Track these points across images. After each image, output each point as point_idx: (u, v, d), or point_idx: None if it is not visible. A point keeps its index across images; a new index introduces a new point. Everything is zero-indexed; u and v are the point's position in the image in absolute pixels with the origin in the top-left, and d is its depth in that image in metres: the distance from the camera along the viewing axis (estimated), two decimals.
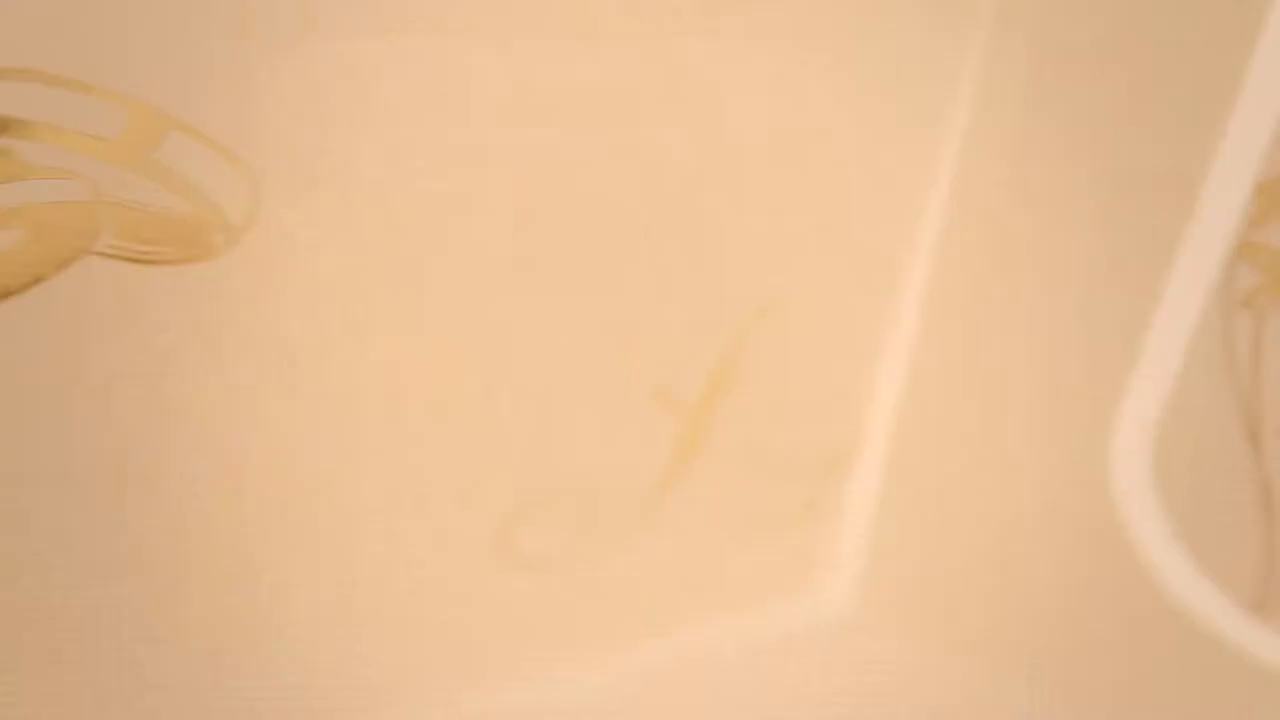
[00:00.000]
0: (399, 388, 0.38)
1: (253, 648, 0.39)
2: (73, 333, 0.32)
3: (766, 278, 0.41)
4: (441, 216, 0.35)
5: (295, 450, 0.37)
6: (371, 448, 0.39)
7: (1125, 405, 0.41)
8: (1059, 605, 0.44)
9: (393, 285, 0.36)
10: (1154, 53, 0.36)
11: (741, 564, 0.46)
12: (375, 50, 0.32)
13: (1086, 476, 0.42)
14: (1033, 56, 0.37)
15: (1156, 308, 0.39)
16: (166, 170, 0.31)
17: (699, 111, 0.37)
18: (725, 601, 0.47)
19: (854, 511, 0.46)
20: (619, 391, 0.41)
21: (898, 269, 0.41)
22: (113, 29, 0.30)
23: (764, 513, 0.45)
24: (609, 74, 0.35)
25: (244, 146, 0.31)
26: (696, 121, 0.37)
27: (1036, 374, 0.41)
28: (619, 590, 0.45)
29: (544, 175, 0.36)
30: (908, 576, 0.46)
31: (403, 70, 0.33)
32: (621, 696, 0.46)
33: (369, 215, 0.34)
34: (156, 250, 0.31)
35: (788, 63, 0.37)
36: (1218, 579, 0.42)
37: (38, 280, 0.31)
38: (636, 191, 0.38)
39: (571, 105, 0.36)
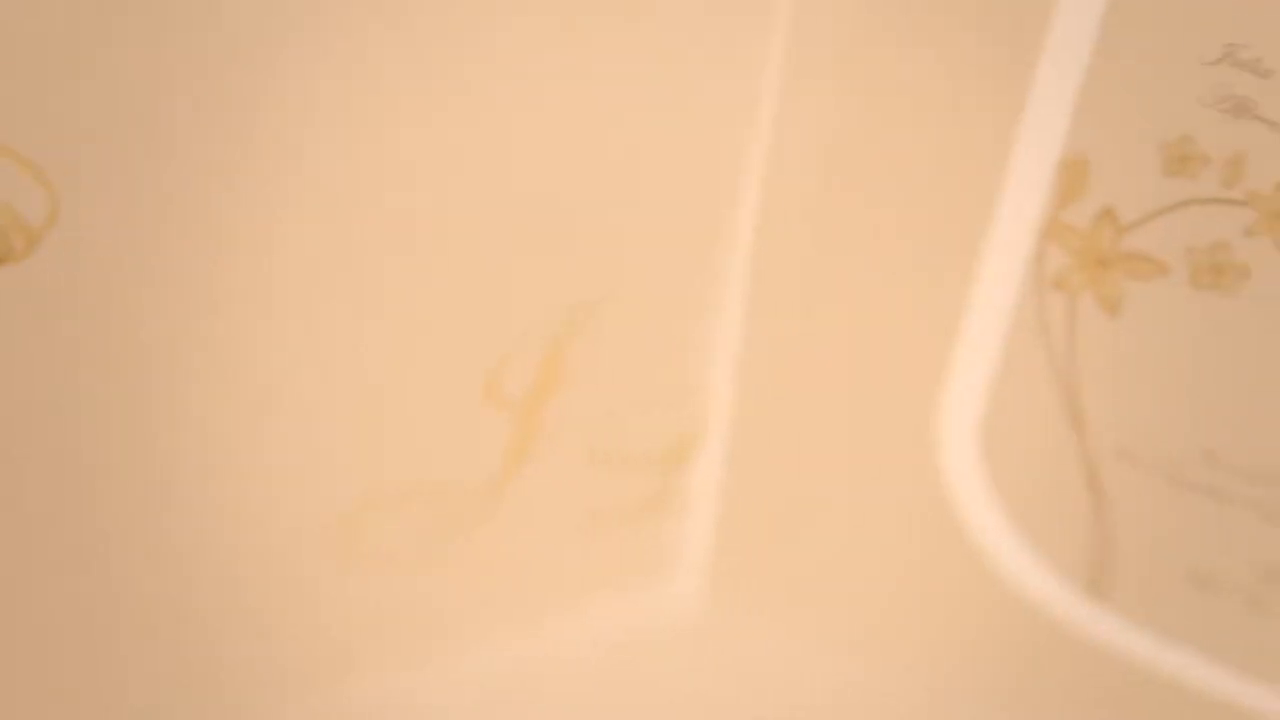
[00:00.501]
0: (225, 387, 0.38)
1: (91, 649, 0.39)
2: None
3: (590, 270, 0.41)
4: (250, 214, 0.35)
5: (115, 456, 0.37)
6: (201, 447, 0.39)
7: (949, 390, 0.41)
8: (899, 592, 0.45)
9: (206, 288, 0.36)
10: (957, 32, 0.36)
11: (586, 560, 0.46)
12: None
13: (916, 462, 0.42)
14: (839, 41, 0.37)
15: (971, 291, 0.39)
16: None
17: (514, 103, 0.37)
18: (571, 598, 0.47)
19: (699, 504, 0.46)
20: (451, 388, 0.41)
21: (720, 259, 0.41)
22: None
23: (605, 507, 0.46)
24: (428, 70, 0.36)
25: (38, 149, 0.31)
26: (510, 112, 0.37)
27: (861, 361, 0.42)
28: (462, 588, 0.45)
29: (358, 172, 0.36)
30: (756, 566, 0.47)
31: (203, 70, 0.33)
32: (466, 694, 0.46)
33: (174, 216, 0.34)
34: None
35: (595, 55, 0.37)
36: (1052, 562, 0.42)
37: None
38: (452, 186, 0.38)
39: (387, 100, 0.36)
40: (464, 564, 0.45)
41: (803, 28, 0.37)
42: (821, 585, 0.46)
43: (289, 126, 0.35)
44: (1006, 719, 0.45)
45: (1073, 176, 0.37)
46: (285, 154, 0.35)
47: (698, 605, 0.48)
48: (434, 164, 0.37)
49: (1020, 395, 0.40)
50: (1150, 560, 0.42)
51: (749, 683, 0.47)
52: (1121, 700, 0.44)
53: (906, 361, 0.41)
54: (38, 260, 0.32)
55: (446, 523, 0.44)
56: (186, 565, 0.41)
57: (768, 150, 0.39)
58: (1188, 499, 0.40)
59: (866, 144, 0.38)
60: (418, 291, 0.39)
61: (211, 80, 0.33)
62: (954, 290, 0.39)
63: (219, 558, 0.42)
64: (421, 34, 0.35)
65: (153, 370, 0.37)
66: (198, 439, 0.39)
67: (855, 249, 0.40)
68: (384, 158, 0.37)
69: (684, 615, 0.48)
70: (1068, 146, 0.37)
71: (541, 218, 0.40)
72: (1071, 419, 0.40)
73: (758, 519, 0.46)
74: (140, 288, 0.35)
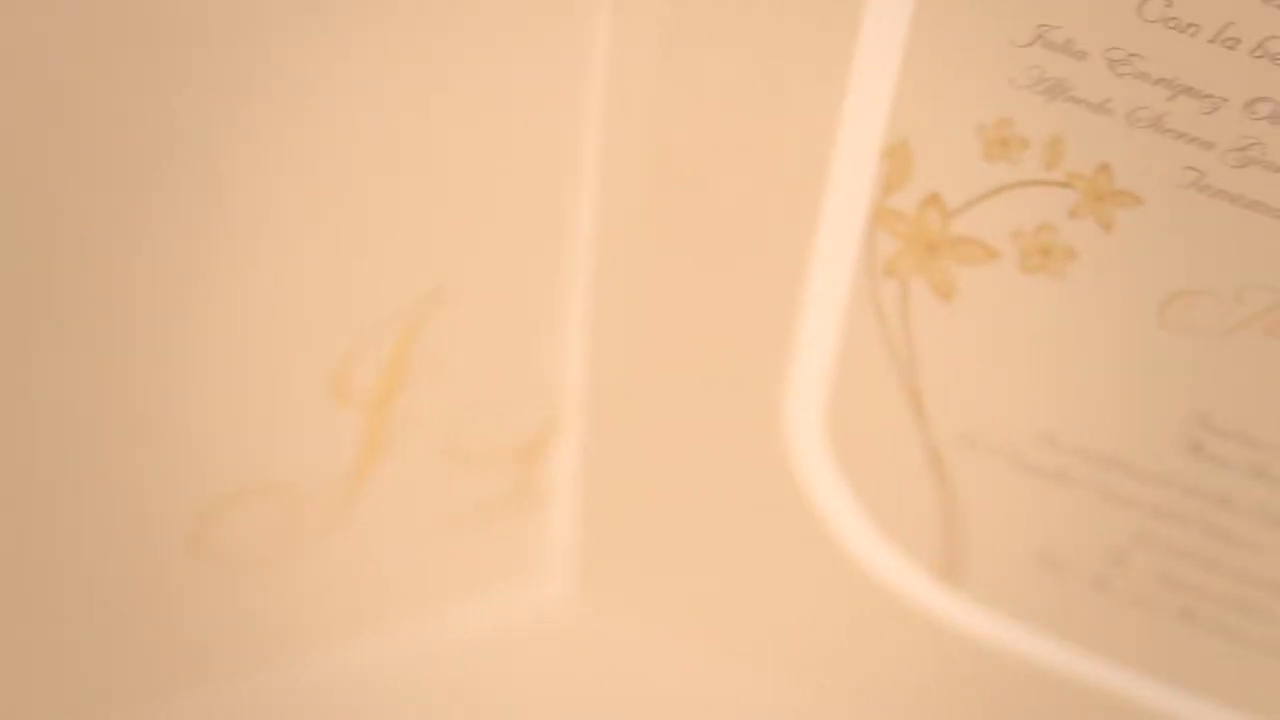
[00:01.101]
0: (75, 382, 0.38)
1: None
2: None
3: (432, 264, 0.41)
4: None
5: None
6: (55, 440, 0.38)
7: (792, 380, 0.41)
8: (757, 584, 0.45)
9: (42, 281, 0.36)
10: (772, 22, 0.36)
11: (448, 558, 0.46)
12: None
13: (766, 452, 0.42)
14: (661, 34, 0.37)
15: (806, 280, 0.39)
16: None
17: (347, 95, 0.37)
18: (433, 596, 0.47)
19: (559, 498, 0.46)
20: (295, 385, 0.41)
21: (561, 252, 0.41)
22: None
23: (465, 504, 0.45)
24: (259, 64, 0.36)
25: None
26: (344, 104, 0.37)
27: (706, 350, 0.42)
28: (320, 588, 0.45)
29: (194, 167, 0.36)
30: (620, 560, 0.47)
31: None
32: (324, 697, 0.46)
33: None
34: None
35: (424, 47, 0.37)
36: (905, 548, 0.42)
37: None
38: (288, 182, 0.38)
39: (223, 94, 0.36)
40: (322, 564, 0.45)
41: (624, 21, 0.37)
42: (682, 578, 0.46)
43: None
44: (867, 705, 0.45)
45: (897, 163, 0.37)
46: None
47: (563, 601, 0.48)
48: (269, 159, 0.37)
49: (861, 383, 0.40)
50: (999, 544, 0.42)
51: (617, 678, 0.47)
52: (978, 683, 0.44)
53: (749, 351, 0.41)
54: None
55: (302, 522, 0.44)
56: (36, 563, 0.41)
57: (599, 142, 0.39)
58: (1030, 482, 0.40)
59: (694, 135, 0.38)
60: (256, 287, 0.39)
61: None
62: (789, 279, 0.39)
63: (70, 555, 0.42)
64: (248, 27, 0.35)
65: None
66: (51, 433, 0.39)
67: (691, 240, 0.40)
68: (218, 150, 0.36)
69: (550, 612, 0.48)
70: (890, 133, 0.37)
71: (379, 212, 0.39)
72: (912, 405, 0.40)
73: (618, 512, 0.46)
74: None
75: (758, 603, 0.45)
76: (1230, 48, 0.33)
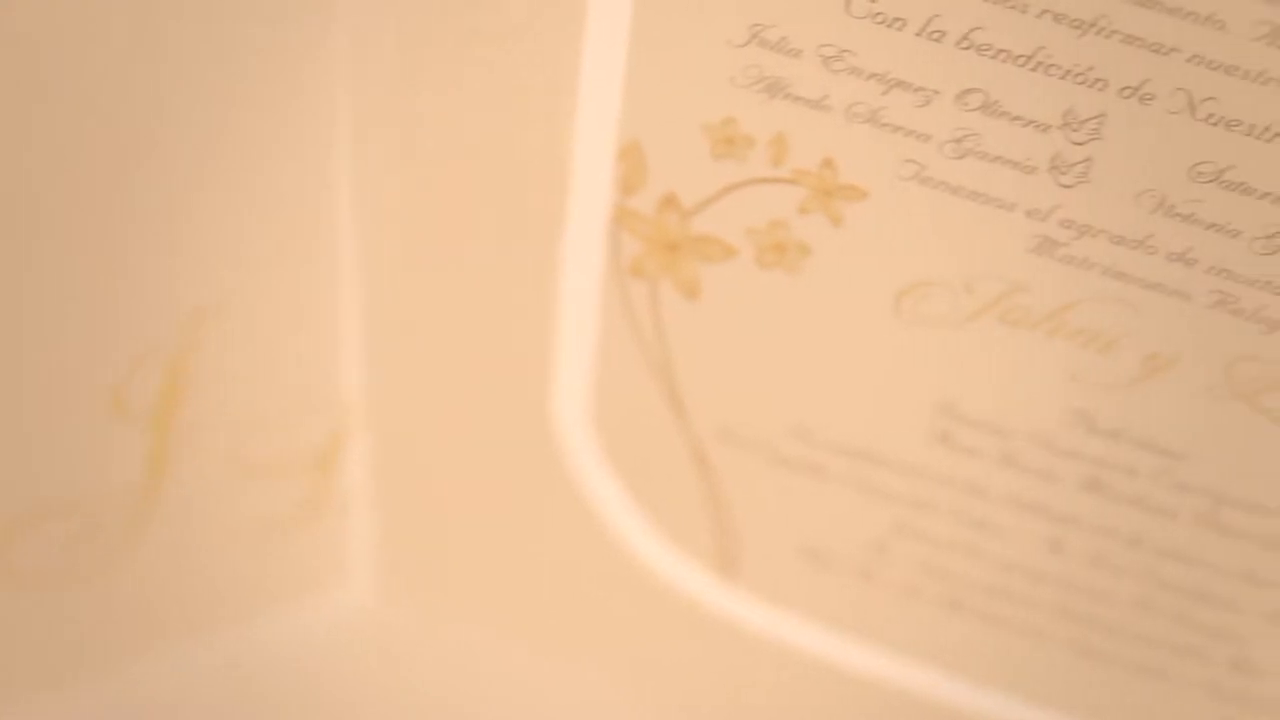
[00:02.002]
0: None
1: None
2: None
3: (203, 276, 0.41)
4: None
5: None
6: None
7: (557, 381, 0.41)
8: (548, 583, 0.45)
9: None
10: (504, 25, 0.36)
11: (247, 570, 0.46)
12: None
13: (541, 454, 0.43)
14: (400, 43, 0.37)
15: (559, 283, 0.40)
16: None
17: (116, 103, 0.37)
18: (232, 610, 0.47)
19: (355, 505, 0.46)
20: (75, 401, 0.41)
21: (327, 260, 0.41)
22: None
23: (259, 516, 0.46)
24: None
25: None
26: (113, 111, 0.37)
27: (476, 354, 0.42)
28: (115, 605, 0.45)
29: None
30: (419, 561, 0.47)
31: None
32: (130, 712, 0.46)
33: None
34: None
35: (176, 66, 0.37)
36: (681, 545, 0.43)
37: None
38: (55, 197, 0.38)
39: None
40: (119, 581, 0.45)
41: (362, 31, 0.37)
42: (477, 579, 0.47)
43: None
44: (659, 698, 0.46)
45: (631, 164, 0.37)
46: None
47: (365, 608, 0.48)
48: (37, 175, 0.37)
49: (621, 382, 0.41)
50: (768, 537, 0.42)
51: (423, 681, 0.48)
52: (760, 676, 0.44)
53: (513, 354, 0.41)
54: None
55: (94, 539, 0.44)
56: None
57: (351, 151, 0.40)
58: (790, 476, 0.41)
59: (439, 143, 0.39)
60: (29, 307, 0.39)
61: None
62: (543, 283, 0.40)
63: None
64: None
65: None
66: None
67: (449, 247, 0.40)
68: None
69: (352, 619, 0.48)
70: (622, 135, 0.37)
71: (149, 226, 0.40)
72: (671, 402, 0.40)
73: (412, 517, 0.46)
74: None
75: (548, 601, 0.46)
76: (937, 40, 0.34)
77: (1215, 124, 0.33)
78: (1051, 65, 0.33)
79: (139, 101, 0.38)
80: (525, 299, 0.40)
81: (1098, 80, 0.33)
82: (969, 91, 0.34)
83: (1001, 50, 0.33)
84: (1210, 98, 0.33)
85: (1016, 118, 0.34)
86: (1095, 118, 0.34)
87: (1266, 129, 0.33)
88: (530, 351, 0.41)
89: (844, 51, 0.34)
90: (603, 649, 0.46)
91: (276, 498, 0.46)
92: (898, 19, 0.34)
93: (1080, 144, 0.34)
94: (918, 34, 0.34)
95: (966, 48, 0.34)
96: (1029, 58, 0.33)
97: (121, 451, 0.43)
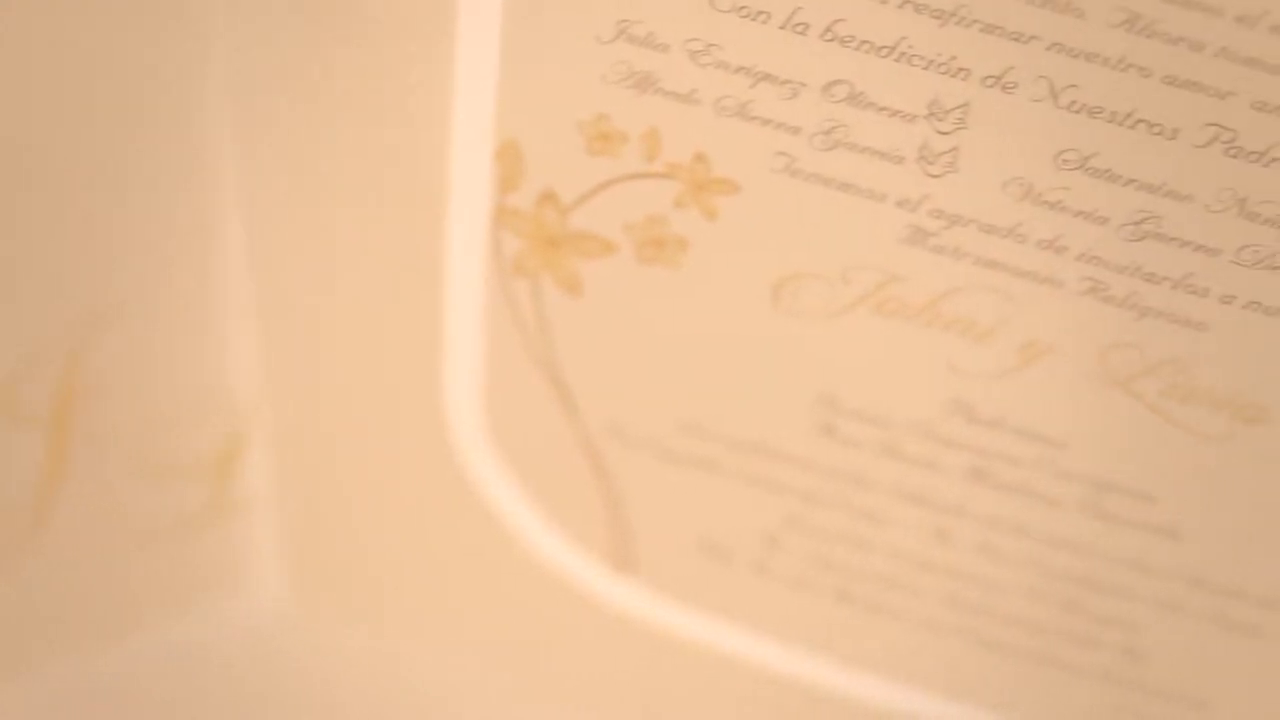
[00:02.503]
0: None
1: None
2: None
3: (92, 279, 0.41)
4: None
5: None
6: None
7: (449, 381, 0.41)
8: (448, 578, 0.45)
9: None
10: (371, 29, 0.36)
11: (152, 574, 0.46)
12: None
13: (438, 455, 0.43)
14: (276, 48, 0.37)
15: (445, 284, 0.40)
16: None
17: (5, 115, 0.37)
18: (142, 613, 0.47)
19: (259, 506, 0.46)
20: None
21: (217, 262, 0.42)
22: None
23: (162, 519, 0.46)
24: None
25: None
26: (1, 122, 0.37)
27: (369, 354, 0.42)
28: (20, 610, 0.45)
29: None
30: (324, 562, 0.47)
31: None
32: (34, 716, 0.46)
33: None
34: None
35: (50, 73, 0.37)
36: (579, 542, 0.43)
37: None
38: None
39: None
40: (18, 586, 0.45)
41: (240, 37, 0.38)
42: (381, 579, 0.47)
43: None
44: (562, 694, 0.46)
45: (509, 162, 0.37)
46: None
47: (273, 609, 0.48)
48: None
49: (511, 380, 0.41)
50: (663, 533, 0.42)
51: (332, 681, 0.48)
52: (662, 671, 0.44)
53: (405, 354, 0.41)
54: None
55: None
56: None
57: (236, 156, 0.40)
58: (682, 470, 0.41)
59: (320, 146, 0.39)
60: None
61: None
62: (429, 283, 0.40)
63: None
64: None
65: None
66: None
67: (335, 250, 0.40)
68: None
69: (260, 621, 0.48)
70: (499, 133, 0.37)
71: (34, 229, 0.40)
72: (561, 399, 0.40)
73: (316, 518, 0.46)
74: None
75: (449, 600, 0.46)
76: (801, 33, 0.34)
77: (1078, 111, 0.33)
78: (914, 56, 0.33)
79: (26, 111, 0.38)
80: (412, 299, 0.40)
81: (960, 70, 0.33)
82: (835, 83, 0.34)
83: (864, 42, 0.34)
84: (1072, 85, 0.33)
85: (883, 109, 0.34)
86: (960, 107, 0.34)
87: (1128, 115, 0.33)
88: (420, 351, 0.41)
89: (710, 45, 0.35)
90: (505, 647, 0.46)
91: (179, 500, 0.46)
92: (761, 12, 0.34)
93: (946, 134, 0.34)
94: (782, 27, 0.34)
95: (830, 40, 0.34)
96: (891, 49, 0.33)
97: (16, 457, 0.43)
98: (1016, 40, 0.33)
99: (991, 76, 0.33)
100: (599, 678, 0.45)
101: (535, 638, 0.45)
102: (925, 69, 0.34)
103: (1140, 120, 0.33)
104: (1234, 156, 0.33)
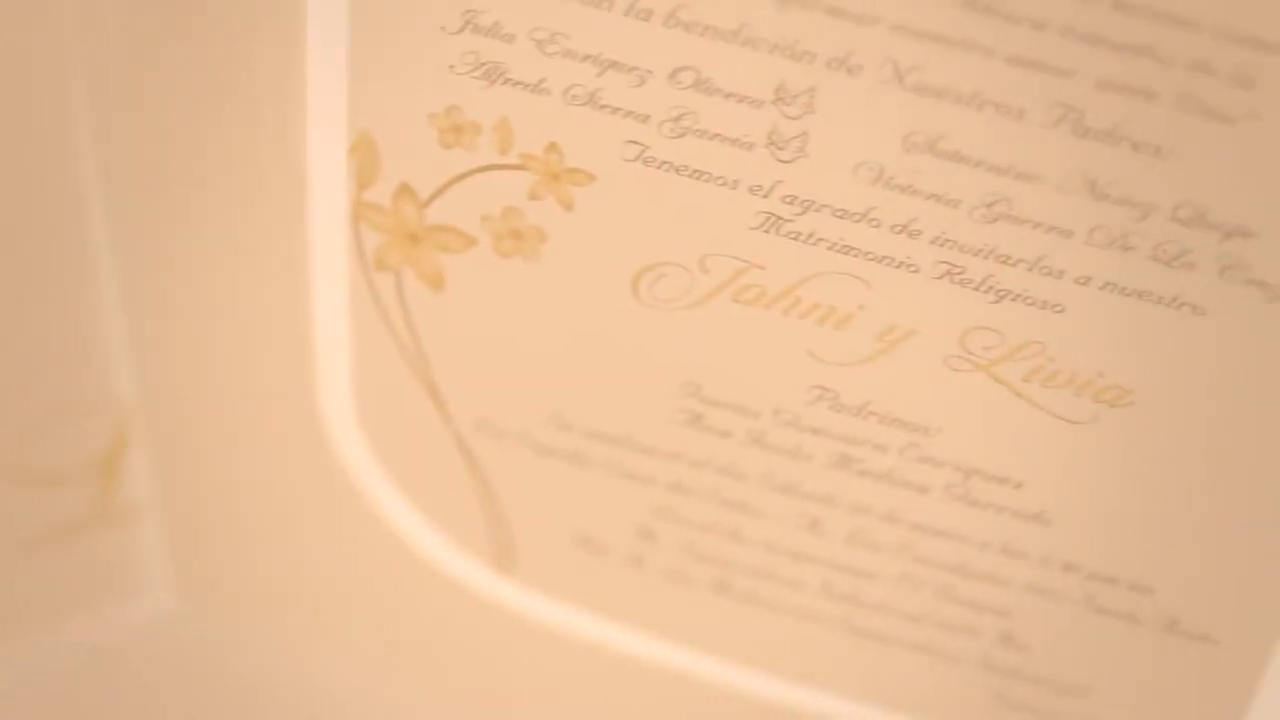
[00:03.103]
0: None
1: None
2: None
3: None
4: None
5: None
6: None
7: (321, 380, 0.41)
8: (333, 577, 0.45)
9: None
10: (221, 27, 0.36)
11: (37, 580, 0.46)
12: None
13: (312, 451, 0.42)
14: (129, 44, 0.37)
15: (309, 282, 0.39)
16: None
17: None
18: (28, 621, 0.47)
19: (144, 509, 0.46)
20: None
21: (80, 266, 0.41)
22: None
23: (44, 525, 0.45)
24: None
25: None
26: None
27: (242, 357, 0.42)
28: None
29: None
30: (211, 562, 0.46)
31: None
32: None
33: None
34: None
35: None
36: (457, 540, 0.42)
37: None
38: None
39: None
40: None
41: (93, 34, 0.37)
42: (268, 578, 0.46)
43: None
44: (447, 692, 0.45)
45: (364, 156, 0.37)
46: None
47: (163, 612, 0.48)
48: None
49: (380, 377, 0.40)
50: (540, 528, 0.42)
51: (224, 681, 0.47)
52: (548, 668, 0.44)
53: (277, 354, 0.41)
54: None
55: None
56: None
57: (95, 155, 0.39)
58: (553, 465, 0.40)
59: (178, 145, 0.38)
60: None
61: None
62: (294, 281, 0.39)
63: None
64: None
65: None
66: None
67: (202, 249, 0.40)
68: None
69: (149, 624, 0.48)
70: (352, 127, 0.37)
71: None
72: (430, 395, 0.40)
73: (201, 519, 0.46)
74: None
75: (339, 599, 0.45)
76: (644, 20, 0.34)
77: (923, 93, 0.33)
78: (758, 40, 0.33)
79: None
80: (280, 296, 0.40)
81: (805, 54, 0.33)
82: (681, 70, 0.34)
83: (708, 27, 0.33)
84: (916, 67, 0.33)
85: (730, 94, 0.34)
86: (806, 91, 0.33)
87: (974, 96, 0.33)
88: (291, 350, 0.41)
89: (556, 34, 0.34)
90: (393, 645, 0.46)
91: (62, 506, 0.45)
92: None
93: (794, 118, 0.34)
94: (625, 14, 0.34)
95: (673, 26, 0.33)
96: (735, 33, 0.33)
97: None
98: (859, 22, 0.32)
99: (836, 59, 0.33)
100: (487, 676, 0.45)
101: (421, 636, 0.45)
102: (770, 53, 0.33)
103: (986, 101, 0.33)
104: (1082, 136, 0.33)
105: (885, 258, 0.35)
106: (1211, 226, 0.33)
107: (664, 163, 0.35)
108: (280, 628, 0.46)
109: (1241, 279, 0.34)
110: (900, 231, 0.35)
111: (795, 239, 0.35)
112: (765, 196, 0.35)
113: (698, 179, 0.35)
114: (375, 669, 0.46)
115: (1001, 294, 0.35)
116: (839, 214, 0.35)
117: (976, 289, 0.35)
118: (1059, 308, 0.35)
